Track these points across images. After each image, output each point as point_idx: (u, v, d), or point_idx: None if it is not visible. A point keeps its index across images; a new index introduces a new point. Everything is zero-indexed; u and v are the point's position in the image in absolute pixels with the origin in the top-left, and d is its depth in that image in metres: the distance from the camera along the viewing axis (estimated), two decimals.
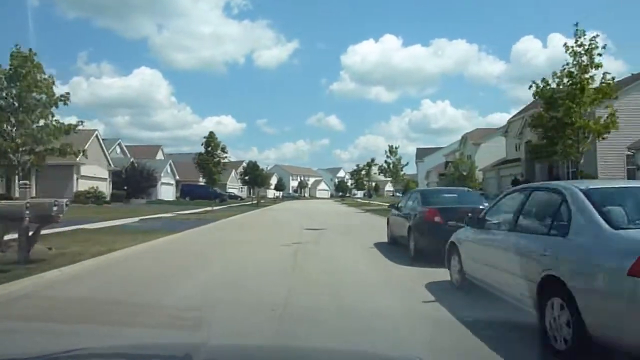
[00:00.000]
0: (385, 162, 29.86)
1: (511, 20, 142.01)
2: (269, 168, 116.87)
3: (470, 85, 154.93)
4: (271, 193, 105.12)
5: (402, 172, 31.72)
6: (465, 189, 16.04)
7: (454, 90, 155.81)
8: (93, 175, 35.99)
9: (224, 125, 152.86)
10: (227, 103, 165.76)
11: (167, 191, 54.15)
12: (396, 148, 45.36)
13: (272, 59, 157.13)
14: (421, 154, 76.32)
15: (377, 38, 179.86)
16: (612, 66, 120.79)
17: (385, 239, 12.69)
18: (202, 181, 73.37)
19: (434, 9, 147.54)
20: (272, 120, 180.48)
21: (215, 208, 31.98)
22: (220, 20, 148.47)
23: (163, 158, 65.36)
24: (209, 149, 30.42)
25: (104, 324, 4.63)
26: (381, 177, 54.54)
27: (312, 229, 17.15)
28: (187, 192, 53.32)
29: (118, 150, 52.25)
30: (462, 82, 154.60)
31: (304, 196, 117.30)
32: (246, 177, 45.18)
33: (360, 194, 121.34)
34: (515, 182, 36.34)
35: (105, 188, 37.83)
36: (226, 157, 33.08)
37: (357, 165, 53.88)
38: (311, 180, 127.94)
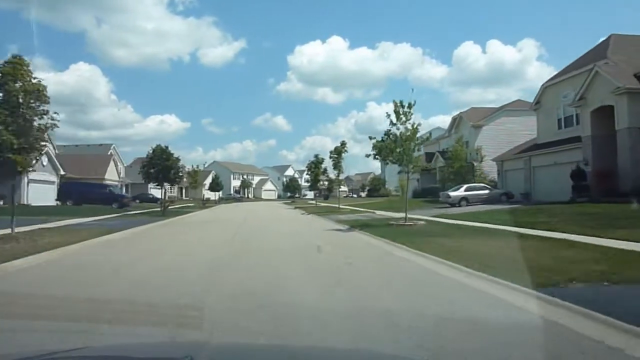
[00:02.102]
0: (388, 133, 15.29)
1: (453, 26, 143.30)
2: (206, 165, 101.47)
3: (414, 88, 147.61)
4: (211, 194, 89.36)
5: (418, 152, 17.26)
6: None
7: (398, 93, 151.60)
8: None
9: (168, 124, 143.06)
10: (171, 102, 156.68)
11: (41, 192, 36.85)
12: (344, 144, 31.64)
13: (218, 57, 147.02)
14: None
15: (324, 39, 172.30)
16: (545, 72, 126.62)
17: None
18: (109, 179, 56.77)
19: (381, 12, 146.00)
20: (218, 120, 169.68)
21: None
22: (164, 16, 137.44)
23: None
24: None
25: None
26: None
27: None
28: (70, 194, 36.43)
29: None
30: (406, 84, 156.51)
31: (247, 197, 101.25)
32: (151, 170, 29.18)
33: (311, 194, 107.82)
34: (577, 174, 23.03)
35: None
36: None
37: (316, 157, 38.36)
38: (256, 179, 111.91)
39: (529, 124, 36.05)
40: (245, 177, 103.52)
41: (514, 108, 39.14)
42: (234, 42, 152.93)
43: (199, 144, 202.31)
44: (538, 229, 13.16)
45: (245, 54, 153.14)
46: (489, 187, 30.06)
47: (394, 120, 16.07)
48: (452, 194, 28.62)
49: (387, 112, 16.18)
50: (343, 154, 30.27)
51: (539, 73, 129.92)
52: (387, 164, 17.88)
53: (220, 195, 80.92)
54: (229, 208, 46.64)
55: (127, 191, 69.42)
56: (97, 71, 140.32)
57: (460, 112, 40.98)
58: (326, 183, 47.16)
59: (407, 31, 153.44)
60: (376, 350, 3.68)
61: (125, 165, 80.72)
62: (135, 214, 28.67)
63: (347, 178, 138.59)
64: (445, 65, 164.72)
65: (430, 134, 51.86)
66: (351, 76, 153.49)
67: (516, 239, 11.08)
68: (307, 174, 41.97)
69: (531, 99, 31.72)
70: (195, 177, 49.16)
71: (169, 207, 34.55)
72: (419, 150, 17.45)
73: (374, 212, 27.46)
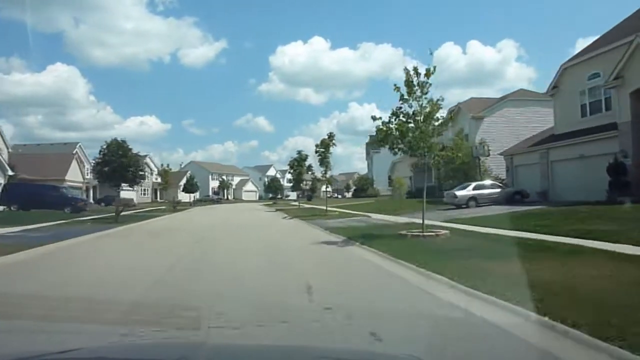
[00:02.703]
0: (397, 112, 11.07)
1: (433, 26, 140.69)
2: (183, 165, 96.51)
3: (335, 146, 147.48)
4: (187, 196, 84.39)
5: (438, 137, 12.78)
6: None
7: (379, 93, 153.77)
8: None
9: (148, 125, 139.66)
10: (151, 103, 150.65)
11: None
12: (332, 136, 27.07)
13: (199, 58, 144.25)
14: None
15: (305, 40, 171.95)
16: (524, 73, 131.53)
17: None
18: (71, 180, 51.31)
19: (362, 13, 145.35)
20: (199, 121, 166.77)
21: None
22: (144, 16, 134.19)
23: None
24: None
25: None
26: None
27: None
28: (16, 197, 31.36)
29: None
30: (387, 85, 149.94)
31: (227, 199, 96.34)
32: (105, 169, 24.46)
33: (294, 195, 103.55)
34: (616, 168, 19.23)
35: None
36: None
37: (299, 153, 34.20)
38: (236, 180, 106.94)
39: (535, 114, 32.63)
40: (225, 177, 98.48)
41: (517, 97, 35.46)
42: (215, 42, 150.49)
43: (179, 145, 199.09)
44: (623, 243, 9.15)
45: (227, 55, 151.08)
46: (500, 185, 26.19)
47: (406, 95, 11.85)
48: (459, 193, 24.64)
49: (395, 85, 12.00)
50: (331, 148, 26.01)
51: (518, 73, 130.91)
52: (397, 153, 13.64)
53: (196, 197, 75.98)
54: (203, 211, 42.05)
55: (94, 193, 64.10)
56: (75, 72, 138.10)
57: (459, 103, 37.11)
58: (309, 183, 42.83)
59: (389, 32, 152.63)
60: (376, 350, 3.64)
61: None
62: (86, 220, 24.01)
63: (331, 178, 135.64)
64: (426, 65, 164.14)
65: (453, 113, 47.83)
66: (333, 77, 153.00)
67: (627, 264, 7.03)
68: (289, 172, 37.59)
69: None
70: (166, 177, 44.34)
71: (132, 212, 29.90)
72: (440, 134, 13.13)
73: (368, 216, 23.31)
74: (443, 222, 17.07)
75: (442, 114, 13.44)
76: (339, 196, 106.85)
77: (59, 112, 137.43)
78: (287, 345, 3.76)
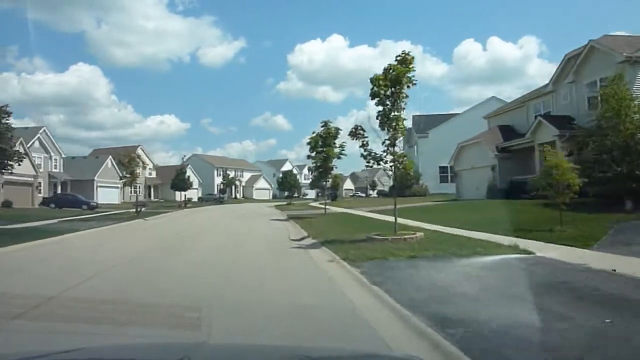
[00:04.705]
0: None
1: (453, 23, 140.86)
2: (185, 159, 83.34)
3: (414, 85, 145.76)
4: (192, 193, 71.36)
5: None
6: None
7: None
8: None
9: (167, 125, 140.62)
10: (171, 102, 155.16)
11: None
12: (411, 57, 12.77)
13: (218, 57, 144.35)
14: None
15: (324, 38, 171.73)
16: (546, 68, 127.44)
17: None
18: (20, 174, 37.71)
19: (381, 10, 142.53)
20: (218, 120, 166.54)
21: None
22: (164, 16, 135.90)
23: None
24: None
25: None
26: None
27: None
28: None
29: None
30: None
31: (235, 197, 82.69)
32: None
33: (311, 193, 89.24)
34: None
35: None
36: None
37: (325, 124, 19.36)
38: (246, 176, 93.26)
39: None
40: (232, 173, 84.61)
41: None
42: (234, 41, 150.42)
43: (198, 144, 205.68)
44: None
45: (245, 53, 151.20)
46: None
47: None
48: None
49: None
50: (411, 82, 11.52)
51: (540, 70, 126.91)
52: None
53: (186, 197, 62.47)
54: (185, 218, 28.23)
55: (62, 189, 51.16)
56: (97, 72, 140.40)
57: (591, 41, 22.23)
58: (331, 177, 28.08)
59: (408, 29, 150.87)
60: (376, 350, 3.57)
61: (78, 156, 62.69)
62: None
63: (353, 175, 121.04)
64: (445, 63, 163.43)
65: None
66: (352, 74, 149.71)
67: None
68: (309, 156, 22.93)
69: None
70: (131, 166, 30.66)
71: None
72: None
73: (530, 252, 9.06)
74: None
75: None
76: (362, 195, 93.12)
77: (80, 112, 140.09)
78: (287, 345, 3.71)
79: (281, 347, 3.01)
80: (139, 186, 73.15)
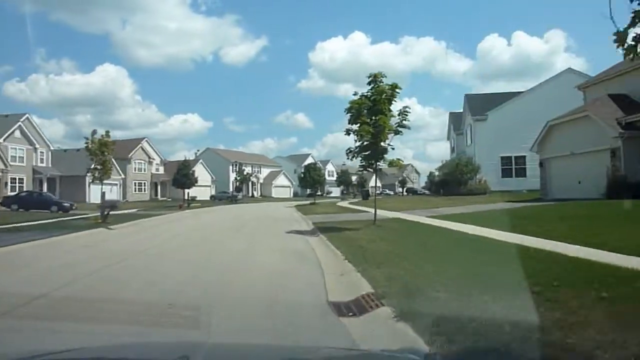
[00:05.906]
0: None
1: (477, 18, 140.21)
2: (198, 153, 76.02)
3: (437, 82, 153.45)
4: (204, 191, 63.89)
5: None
6: None
7: (421, 88, 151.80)
8: None
9: (191, 123, 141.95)
10: (194, 101, 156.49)
11: None
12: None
13: (240, 56, 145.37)
14: None
15: (345, 35, 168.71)
16: (574, 63, 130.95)
17: None
18: None
19: (403, 6, 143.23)
20: (240, 118, 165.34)
21: None
22: (187, 16, 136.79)
23: None
24: None
25: None
26: None
27: None
28: None
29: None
30: (429, 79, 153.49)
31: (252, 195, 74.82)
32: None
33: (337, 191, 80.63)
34: None
35: None
36: None
37: (374, 78, 10.26)
38: (265, 172, 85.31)
39: None
40: (249, 168, 76.55)
41: None
42: (256, 40, 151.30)
43: (221, 142, 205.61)
44: None
45: (267, 52, 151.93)
46: None
47: None
48: None
49: None
50: None
51: (568, 64, 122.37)
52: None
53: (189, 195, 54.79)
54: (162, 226, 20.00)
55: (48, 186, 44.03)
56: (122, 72, 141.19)
57: None
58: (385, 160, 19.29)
59: (430, 25, 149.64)
60: (373, 350, 3.51)
61: (70, 149, 55.58)
62: None
63: (380, 171, 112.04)
64: (469, 58, 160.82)
65: None
66: (374, 71, 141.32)
67: None
68: (349, 130, 14.04)
69: None
70: (102, 154, 22.72)
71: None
72: None
73: None
74: None
75: None
76: (390, 193, 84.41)
77: (106, 112, 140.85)
78: (287, 345, 3.68)
79: (281, 347, 3.01)
80: (145, 183, 66.15)
